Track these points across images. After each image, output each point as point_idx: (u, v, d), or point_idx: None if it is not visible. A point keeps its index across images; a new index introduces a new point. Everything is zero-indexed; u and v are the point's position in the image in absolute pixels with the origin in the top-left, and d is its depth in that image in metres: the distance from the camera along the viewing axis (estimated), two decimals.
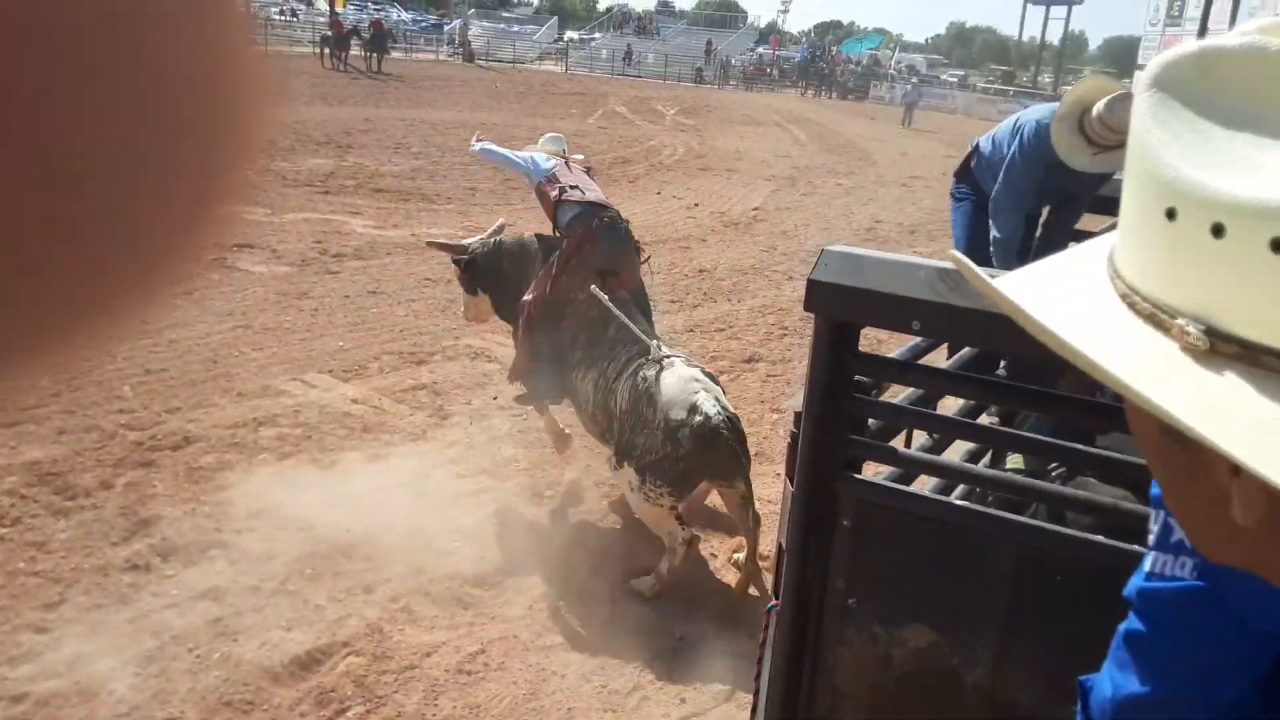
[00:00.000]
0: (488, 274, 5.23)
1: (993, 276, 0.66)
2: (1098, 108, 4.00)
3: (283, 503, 4.75)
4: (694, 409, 4.05)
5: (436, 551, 4.46)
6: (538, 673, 3.75)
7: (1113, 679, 0.92)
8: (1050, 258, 0.71)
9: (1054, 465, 2.48)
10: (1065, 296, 0.63)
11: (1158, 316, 0.57)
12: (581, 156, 5.95)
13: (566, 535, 4.74)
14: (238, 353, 6.60)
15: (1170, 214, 0.55)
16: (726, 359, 7.45)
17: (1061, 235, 4.41)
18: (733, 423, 4.14)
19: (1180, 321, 0.55)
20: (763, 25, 62.58)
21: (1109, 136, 3.98)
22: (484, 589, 4.26)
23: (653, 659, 3.88)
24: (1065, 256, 0.70)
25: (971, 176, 4.74)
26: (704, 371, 4.40)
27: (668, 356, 4.37)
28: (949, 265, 1.83)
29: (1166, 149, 0.56)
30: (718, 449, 4.05)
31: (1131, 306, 0.58)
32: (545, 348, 4.81)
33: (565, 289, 4.80)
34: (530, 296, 4.84)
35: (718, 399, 4.17)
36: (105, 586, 4.00)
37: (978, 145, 4.74)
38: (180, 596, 3.99)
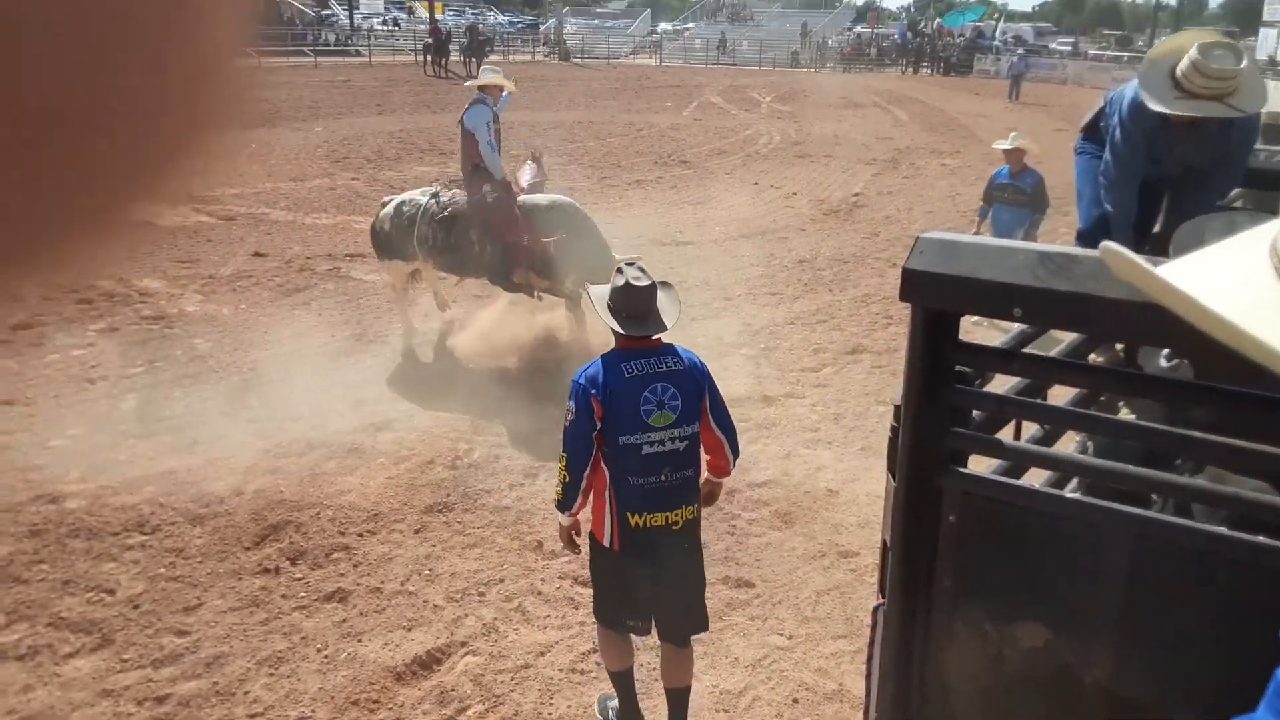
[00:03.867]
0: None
1: (1154, 265, 0.65)
2: (1191, 52, 3.80)
3: (399, 506, 4.93)
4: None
5: (546, 552, 4.55)
6: (648, 673, 3.79)
7: None
8: (1205, 250, 0.68)
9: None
10: (1228, 288, 0.61)
11: None
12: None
13: None
14: (355, 360, 6.86)
15: None
16: (830, 350, 7.36)
17: (1192, 208, 4.17)
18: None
19: None
20: (860, 3, 61.36)
21: (1198, 83, 3.78)
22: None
23: (762, 659, 3.88)
24: (1220, 248, 0.68)
25: (1098, 136, 4.54)
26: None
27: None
28: (1050, 248, 1.77)
29: None
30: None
31: None
32: None
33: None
34: None
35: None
36: (239, 590, 4.22)
37: (1106, 103, 4.54)
38: (308, 598, 4.19)
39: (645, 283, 3.25)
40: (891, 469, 2.06)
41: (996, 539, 1.96)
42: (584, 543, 3.41)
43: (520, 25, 52.45)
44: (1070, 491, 2.43)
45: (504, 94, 7.26)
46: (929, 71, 39.29)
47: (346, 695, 3.61)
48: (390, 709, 3.57)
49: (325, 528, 4.72)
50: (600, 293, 3.32)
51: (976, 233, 7.79)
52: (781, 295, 8.79)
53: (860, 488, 5.17)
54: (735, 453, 3.41)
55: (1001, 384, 2.25)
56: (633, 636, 3.40)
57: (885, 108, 25.16)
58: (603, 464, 3.20)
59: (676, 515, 3.21)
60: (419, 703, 3.60)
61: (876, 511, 4.26)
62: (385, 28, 45.90)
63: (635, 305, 3.23)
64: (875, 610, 2.20)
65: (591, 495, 3.24)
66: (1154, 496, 2.21)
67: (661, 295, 3.32)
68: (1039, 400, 2.25)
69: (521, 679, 3.74)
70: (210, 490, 5.01)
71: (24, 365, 6.55)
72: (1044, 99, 27.40)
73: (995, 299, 1.80)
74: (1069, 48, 45.82)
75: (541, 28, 48.89)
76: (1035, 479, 2.31)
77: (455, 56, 31.12)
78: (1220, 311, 0.58)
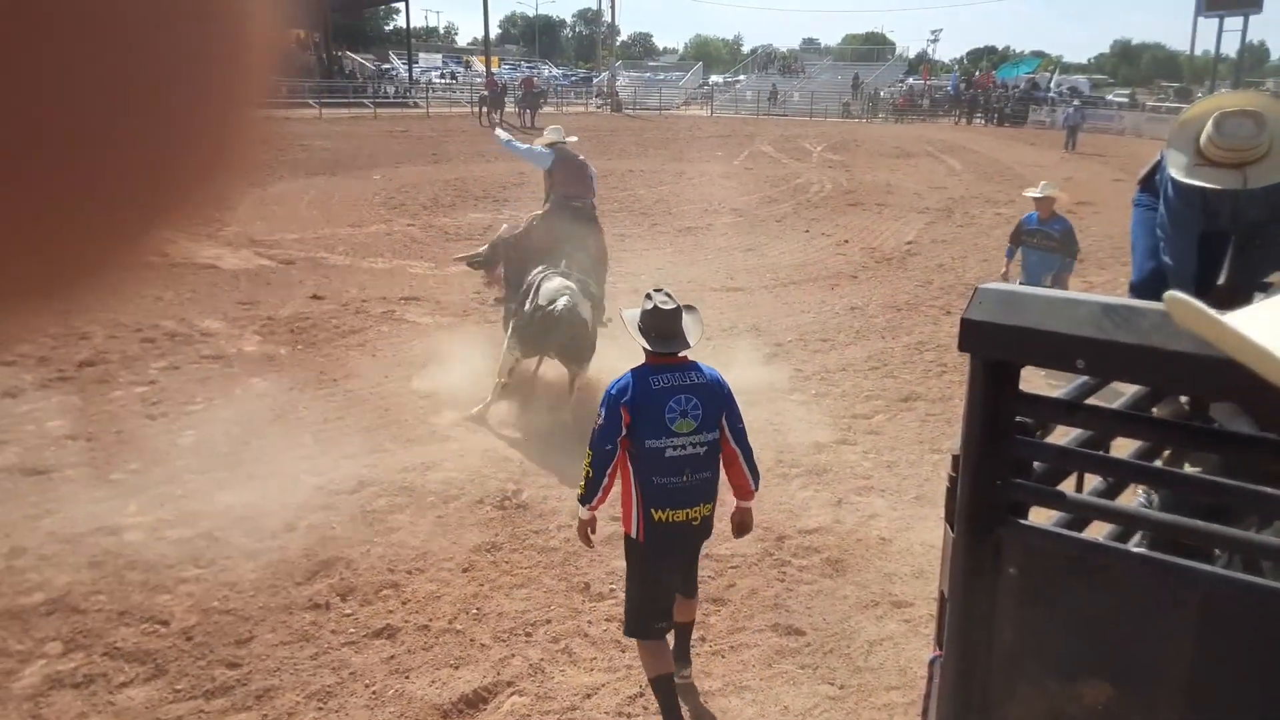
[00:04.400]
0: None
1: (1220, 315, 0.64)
2: (1208, 125, 3.77)
3: (448, 545, 4.96)
4: (551, 302, 6.34)
5: (593, 595, 4.54)
6: (697, 717, 3.74)
7: None
8: (1274, 299, 0.67)
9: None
10: None
11: None
12: (575, 139, 8.00)
13: (722, 580, 4.73)
14: (407, 401, 6.95)
15: None
16: (882, 398, 7.29)
17: (1257, 264, 4.08)
18: (570, 314, 6.28)
19: None
20: (912, 56, 61.62)
21: (1215, 153, 3.74)
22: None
23: (813, 708, 3.81)
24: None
25: (1154, 187, 4.50)
26: (575, 282, 6.57)
27: (556, 273, 6.65)
28: (1114, 300, 1.76)
29: None
30: (556, 330, 6.31)
31: None
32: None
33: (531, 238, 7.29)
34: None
35: (568, 299, 6.33)
36: (290, 624, 4.26)
37: (1162, 155, 4.51)
38: (357, 634, 4.21)
39: (671, 306, 3.68)
40: (949, 519, 2.04)
41: (1059, 593, 1.92)
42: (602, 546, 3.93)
43: (574, 78, 53.52)
44: (1135, 546, 2.38)
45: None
46: (983, 122, 39.22)
47: None
48: None
49: (375, 565, 4.76)
50: (631, 315, 3.75)
51: (1005, 273, 8.21)
52: (833, 341, 8.76)
53: (914, 537, 5.08)
54: (754, 473, 3.73)
55: (1060, 436, 2.21)
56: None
57: (938, 157, 25.12)
58: (629, 465, 3.55)
59: (695, 512, 3.60)
60: None
61: (931, 561, 4.21)
62: (443, 80, 47.16)
63: (662, 326, 3.65)
64: (932, 663, 2.15)
65: (621, 493, 3.62)
66: (1218, 552, 2.15)
67: (686, 317, 3.75)
68: (1102, 453, 2.21)
69: None
70: (264, 525, 5.08)
71: (87, 401, 6.74)
72: (1101, 149, 27.18)
73: (1058, 350, 1.78)
74: (1126, 99, 45.49)
75: (595, 80, 49.81)
76: (1097, 532, 2.26)
77: (510, 108, 31.83)
78: None
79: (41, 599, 4.33)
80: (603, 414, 3.54)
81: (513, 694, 3.86)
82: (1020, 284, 7.56)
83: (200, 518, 5.14)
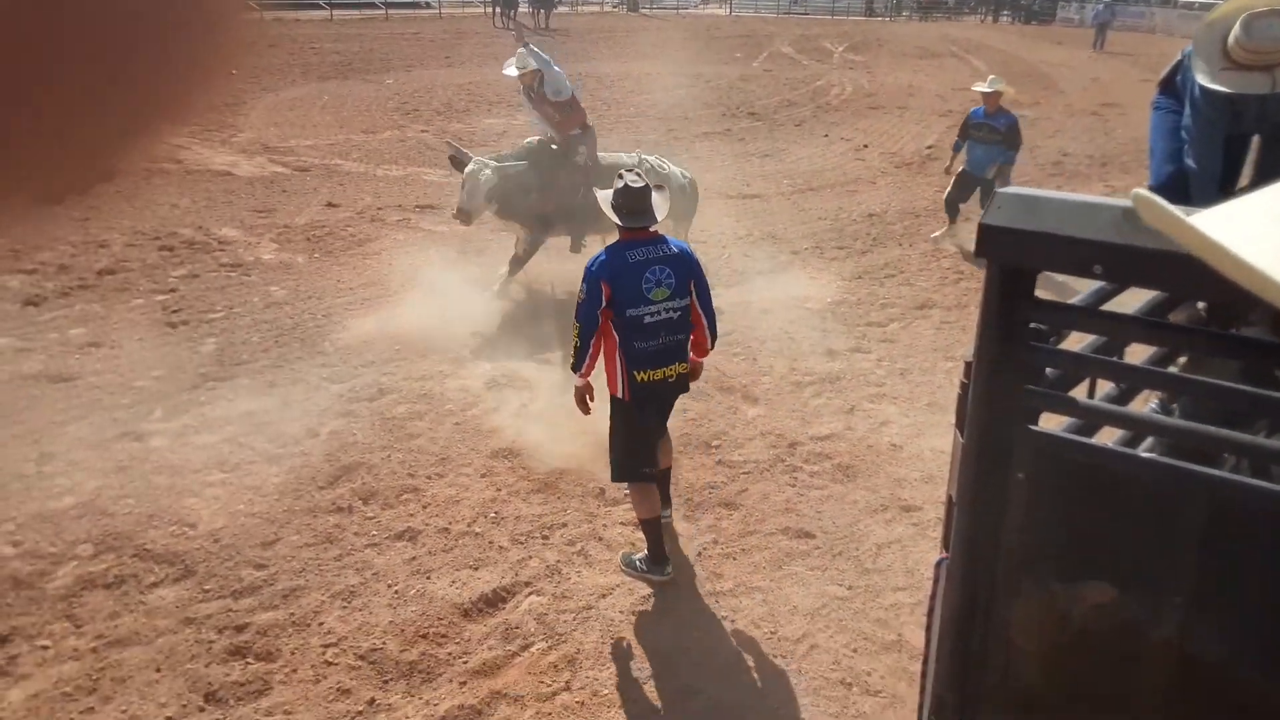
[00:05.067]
0: None
1: (1186, 214, 0.63)
2: (1236, 27, 3.63)
3: (466, 451, 5.04)
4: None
5: (608, 500, 4.62)
6: (708, 618, 3.85)
7: None
8: (1246, 196, 0.67)
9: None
10: (1266, 233, 0.60)
11: None
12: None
13: (735, 485, 4.80)
14: (425, 309, 6.97)
15: None
16: (897, 306, 7.26)
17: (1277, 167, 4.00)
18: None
19: None
20: None
21: (1243, 56, 3.60)
22: None
23: (821, 608, 3.90)
24: (1258, 196, 0.66)
25: (1175, 90, 4.38)
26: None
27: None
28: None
29: None
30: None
31: None
32: None
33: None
34: None
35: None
36: (314, 527, 4.38)
37: (1184, 56, 4.37)
38: (380, 537, 4.32)
39: (640, 185, 3.92)
40: (960, 425, 2.05)
41: (1067, 498, 1.94)
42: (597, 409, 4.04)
43: None
44: (1144, 451, 2.39)
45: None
46: (1009, 20, 37.94)
47: (416, 629, 3.74)
48: (457, 643, 3.69)
49: (396, 470, 4.85)
50: (605, 195, 4.03)
51: (949, 165, 8.58)
52: (850, 249, 8.68)
53: (925, 443, 5.13)
54: (714, 335, 4.10)
55: (1074, 342, 2.20)
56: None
57: (962, 57, 24.42)
58: (614, 333, 3.86)
59: (672, 370, 3.96)
60: (484, 638, 3.71)
61: (941, 467, 4.24)
62: None
63: (632, 203, 3.90)
64: (938, 565, 2.19)
65: (605, 359, 3.92)
66: (1228, 456, 2.16)
67: (655, 195, 3.99)
68: (1115, 358, 2.20)
69: (584, 619, 3.83)
70: (286, 431, 5.17)
71: (109, 309, 6.79)
72: (1131, 48, 26.32)
73: (1076, 256, 1.76)
74: None
75: None
76: (1106, 438, 2.27)
77: (524, 9, 30.97)
78: (1251, 259, 0.57)
79: (71, 502, 4.46)
80: (585, 289, 3.82)
81: (530, 594, 3.97)
82: (964, 170, 8.21)
83: (223, 424, 5.23)
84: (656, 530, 4.04)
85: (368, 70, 19.46)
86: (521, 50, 7.17)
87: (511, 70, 7.06)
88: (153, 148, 0.38)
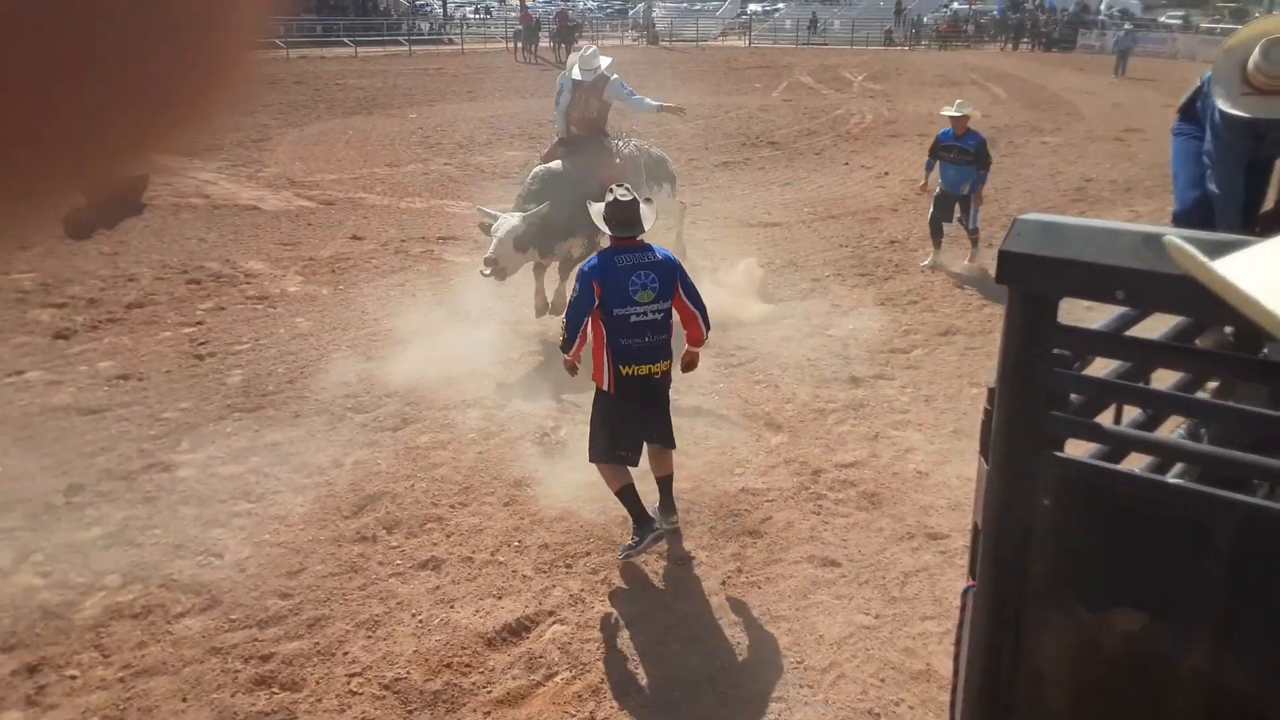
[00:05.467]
0: None
1: (1213, 257, 0.64)
2: (1255, 53, 3.62)
3: (490, 480, 5.05)
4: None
5: (631, 528, 4.61)
6: (733, 646, 3.83)
7: None
8: (1274, 239, 0.67)
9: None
10: None
11: None
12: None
13: (759, 513, 4.78)
14: (448, 339, 7.02)
15: None
16: (921, 332, 7.23)
17: None
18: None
19: None
20: None
21: (1263, 81, 3.59)
22: (677, 564, 4.38)
23: (848, 637, 3.87)
24: None
25: (1195, 115, 4.38)
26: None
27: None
28: (1155, 230, 1.73)
29: None
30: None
31: None
32: None
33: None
34: None
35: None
36: (338, 556, 4.40)
37: (1203, 83, 4.37)
38: (404, 566, 4.34)
39: (629, 198, 4.35)
40: (984, 452, 2.04)
41: (1094, 524, 1.92)
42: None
43: (609, 10, 52.51)
44: (1171, 477, 2.36)
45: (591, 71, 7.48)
46: (1030, 47, 37.99)
47: (440, 658, 3.73)
48: (481, 673, 3.68)
49: (419, 499, 4.87)
50: (597, 209, 4.46)
51: (924, 184, 8.96)
52: (872, 276, 8.67)
53: (951, 470, 5.09)
54: (707, 325, 4.46)
55: (1098, 368, 2.19)
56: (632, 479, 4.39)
57: (983, 85, 24.44)
58: (603, 329, 4.25)
59: (656, 368, 4.33)
60: (509, 668, 3.70)
61: (967, 494, 4.21)
62: (477, 16, 46.52)
63: (621, 215, 4.33)
64: (965, 592, 2.18)
65: (594, 354, 4.31)
66: (1257, 482, 2.13)
67: (643, 207, 4.43)
68: (1141, 384, 2.19)
69: (608, 648, 3.81)
70: (312, 461, 5.21)
71: (137, 342, 6.89)
72: (1152, 74, 26.24)
73: (1097, 281, 1.76)
74: (1179, 21, 43.74)
75: (630, 12, 48.85)
76: (1133, 464, 2.25)
77: (545, 43, 31.39)
78: (1276, 308, 0.56)
79: (100, 533, 4.50)
80: (578, 287, 4.26)
81: (554, 623, 3.96)
82: (941, 190, 8.52)
83: (249, 454, 5.28)
84: (632, 495, 4.36)
85: (391, 105, 19.74)
86: (591, 50, 7.54)
87: (578, 72, 7.40)
88: (136, 172, 0.40)
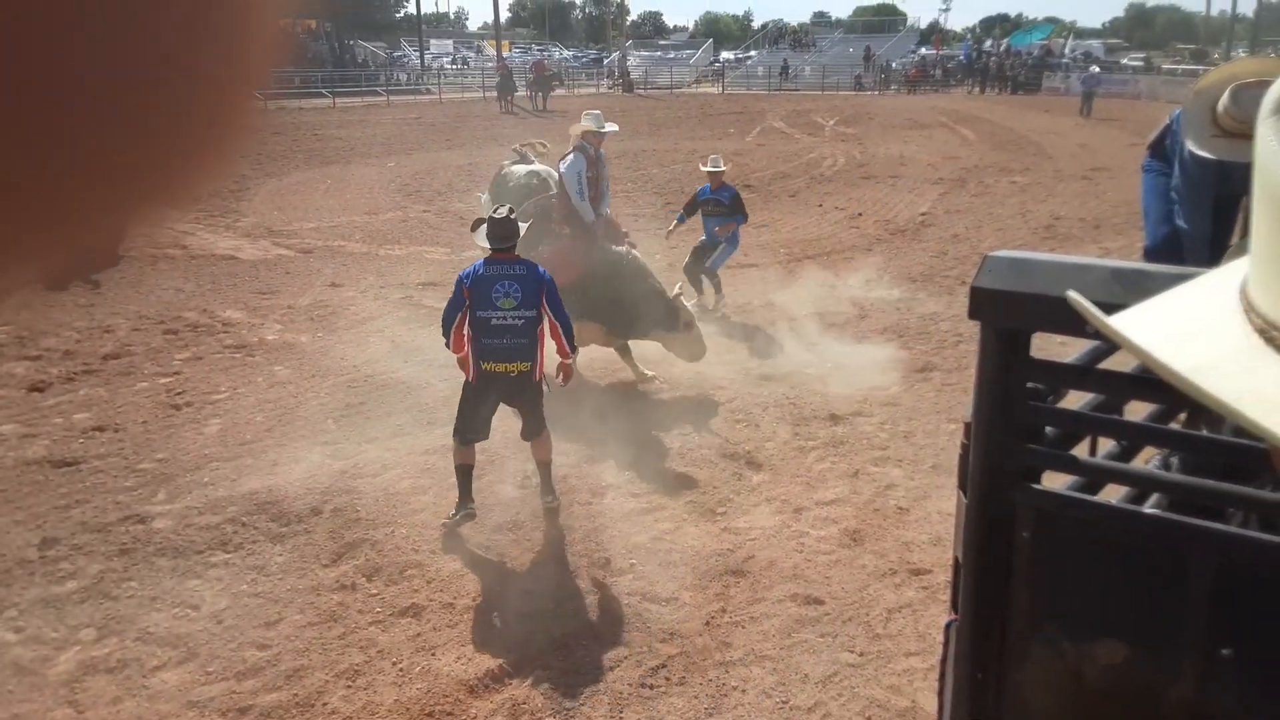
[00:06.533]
0: None
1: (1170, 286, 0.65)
2: (1224, 97, 3.74)
3: (471, 525, 5.02)
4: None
5: (614, 570, 4.59)
6: (718, 688, 3.80)
7: None
8: (1174, 289, 0.68)
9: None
10: (1192, 332, 0.61)
11: None
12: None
13: (741, 552, 4.77)
14: (427, 384, 7.01)
15: None
16: (898, 370, 7.29)
17: None
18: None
19: None
20: (924, 26, 60.93)
21: (1231, 125, 3.71)
22: (661, 605, 4.35)
23: (833, 675, 3.85)
24: (1191, 287, 0.68)
25: (1164, 153, 4.50)
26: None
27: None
28: (1124, 264, 1.77)
29: None
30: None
31: (1269, 341, 0.56)
32: None
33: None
34: None
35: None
36: (317, 605, 4.34)
37: (1172, 120, 4.50)
38: (384, 614, 4.29)
39: (502, 215, 4.98)
40: (962, 486, 2.06)
41: (1073, 555, 1.94)
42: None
43: (585, 59, 53.28)
44: (1149, 507, 2.39)
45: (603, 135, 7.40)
46: (996, 91, 38.80)
47: (421, 707, 3.68)
48: None
49: (400, 545, 4.83)
50: (480, 225, 5.13)
51: (670, 230, 9.50)
52: (846, 314, 8.75)
53: (932, 505, 5.11)
54: (570, 340, 5.03)
55: (1073, 401, 2.23)
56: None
57: (952, 127, 24.90)
58: (469, 330, 4.88)
59: (513, 367, 4.91)
60: (491, 715, 3.65)
61: (948, 529, 4.23)
62: (454, 66, 47.05)
63: (495, 230, 4.95)
64: (948, 627, 2.18)
65: (466, 353, 4.94)
66: (1233, 511, 2.16)
67: (520, 225, 5.08)
68: (1115, 416, 2.22)
69: (591, 693, 3.77)
70: (290, 510, 5.16)
71: (113, 393, 6.84)
72: (1117, 114, 26.87)
73: (1068, 316, 1.79)
74: (1140, 63, 44.85)
75: (605, 61, 49.57)
76: (1110, 495, 2.27)
77: (521, 92, 31.75)
78: (1177, 368, 0.57)
79: (74, 587, 4.43)
80: (454, 289, 4.95)
81: (537, 668, 3.92)
82: (701, 242, 9.12)
83: (227, 504, 5.23)
84: (466, 475, 5.00)
85: (370, 154, 19.86)
86: (596, 112, 7.49)
87: (607, 125, 7.40)
88: (134, 230, 0.39)
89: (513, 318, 4.83)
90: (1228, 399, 0.53)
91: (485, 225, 5.01)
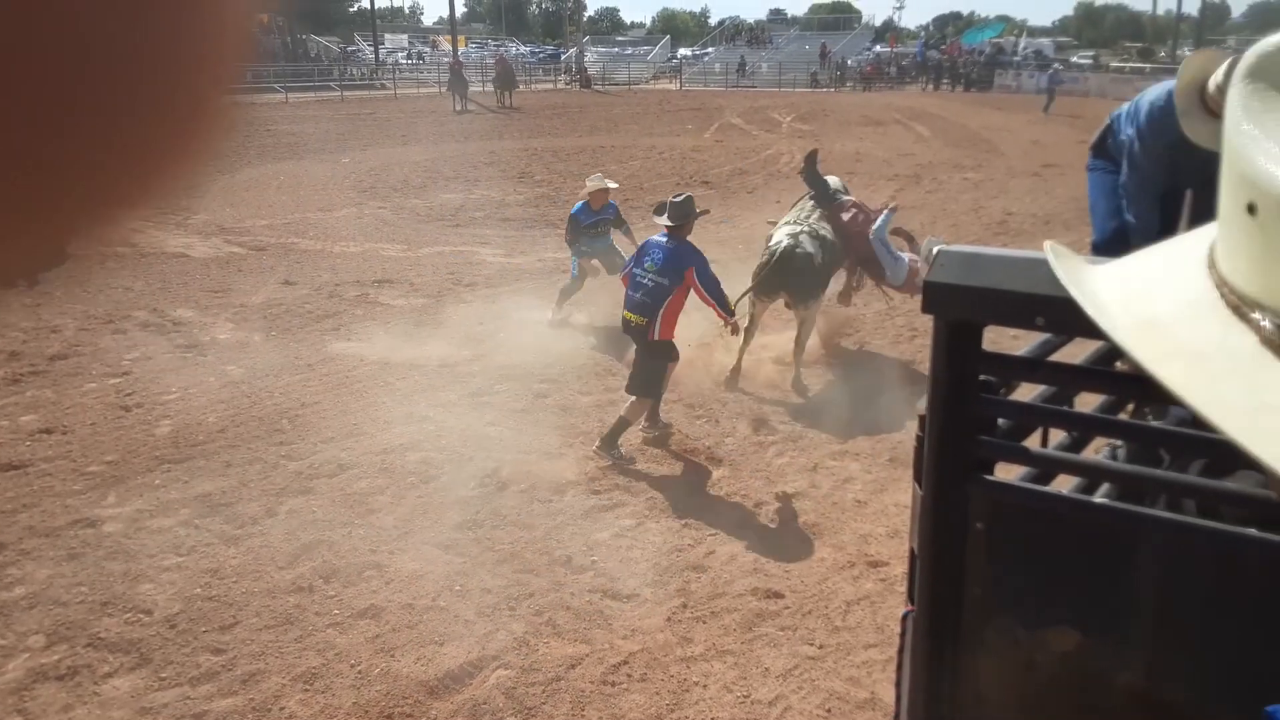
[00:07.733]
0: None
1: (1093, 263, 0.66)
2: (1216, 77, 3.81)
3: (430, 524, 4.98)
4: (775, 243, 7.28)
5: (575, 568, 4.58)
6: (679, 683, 3.81)
7: None
8: (1153, 248, 0.70)
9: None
10: (1152, 289, 0.63)
11: (1241, 309, 0.56)
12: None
13: (702, 547, 4.78)
14: (384, 383, 6.95)
15: (1250, 208, 0.55)
16: (855, 363, 7.35)
17: (1210, 218, 4.17)
18: (788, 253, 7.11)
19: (1256, 315, 0.54)
20: (878, 24, 61.52)
21: (1219, 103, 3.78)
22: (622, 601, 4.35)
23: (793, 669, 3.88)
24: (1167, 246, 0.70)
25: (1107, 153, 4.59)
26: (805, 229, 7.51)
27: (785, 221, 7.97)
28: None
29: (1252, 143, 0.56)
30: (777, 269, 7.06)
31: (1223, 298, 0.58)
32: None
33: None
34: None
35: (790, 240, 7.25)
36: (273, 608, 4.28)
37: (1112, 120, 4.59)
38: (341, 615, 4.24)
39: (672, 199, 6.07)
40: (918, 478, 2.08)
41: (1025, 545, 1.97)
42: None
43: (542, 55, 53.06)
44: (1099, 496, 2.44)
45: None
46: (950, 88, 39.29)
47: (380, 710, 3.64)
48: None
49: (357, 546, 4.78)
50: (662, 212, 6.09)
51: (574, 274, 8.40)
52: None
53: (889, 498, 5.17)
54: (723, 307, 5.98)
55: (1026, 393, 2.26)
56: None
57: (907, 124, 25.17)
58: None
59: (634, 318, 5.82)
60: (452, 716, 3.63)
61: (906, 521, 4.26)
62: (409, 61, 46.61)
63: (663, 208, 6.03)
64: (904, 618, 2.20)
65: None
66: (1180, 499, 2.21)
67: (680, 208, 5.97)
68: (1066, 408, 2.26)
69: (553, 691, 3.76)
70: (244, 512, 5.08)
71: (61, 394, 6.68)
72: (1069, 111, 27.33)
73: (1018, 309, 1.82)
74: (1090, 61, 45.69)
75: (562, 57, 49.42)
76: (1062, 485, 2.31)
77: (487, 88, 31.51)
78: (1139, 355, 0.58)
79: (23, 593, 4.33)
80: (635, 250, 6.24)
81: (498, 667, 3.90)
82: (597, 263, 8.32)
83: (179, 506, 5.13)
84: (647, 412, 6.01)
85: (324, 150, 19.61)
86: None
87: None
88: (110, 232, 0.38)
89: (648, 279, 5.76)
90: (1151, 365, 0.56)
91: (666, 207, 6.02)
